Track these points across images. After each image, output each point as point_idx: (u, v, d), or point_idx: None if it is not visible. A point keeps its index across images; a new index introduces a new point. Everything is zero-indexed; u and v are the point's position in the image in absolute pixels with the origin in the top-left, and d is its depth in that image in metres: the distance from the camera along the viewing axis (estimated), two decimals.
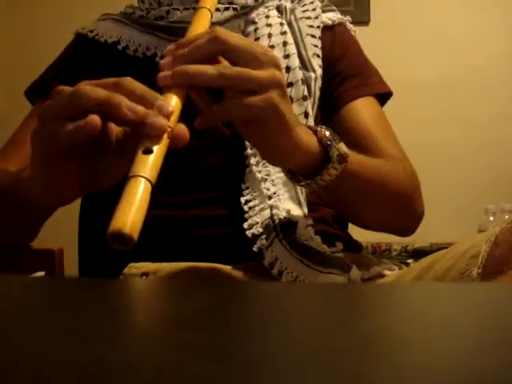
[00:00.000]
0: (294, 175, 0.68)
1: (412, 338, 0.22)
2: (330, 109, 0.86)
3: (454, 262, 0.63)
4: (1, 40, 2.38)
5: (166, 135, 0.52)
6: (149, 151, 0.50)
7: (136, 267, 0.71)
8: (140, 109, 0.52)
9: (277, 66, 0.59)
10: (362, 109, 0.87)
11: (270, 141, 0.61)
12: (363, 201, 0.74)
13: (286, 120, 0.59)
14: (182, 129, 0.54)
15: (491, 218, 2.07)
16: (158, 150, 0.50)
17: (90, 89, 0.53)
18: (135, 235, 0.44)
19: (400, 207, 0.79)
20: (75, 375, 0.18)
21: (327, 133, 0.65)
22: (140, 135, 0.52)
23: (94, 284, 0.37)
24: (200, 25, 0.67)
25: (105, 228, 0.87)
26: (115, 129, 0.57)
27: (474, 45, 2.30)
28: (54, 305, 0.30)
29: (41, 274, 0.76)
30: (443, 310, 0.28)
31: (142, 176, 0.48)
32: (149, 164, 0.49)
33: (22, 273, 0.74)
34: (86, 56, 0.90)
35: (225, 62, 0.59)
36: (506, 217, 2.07)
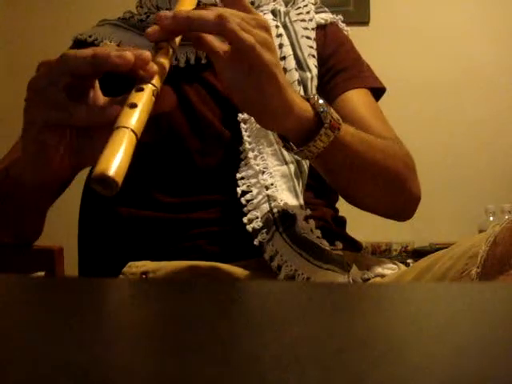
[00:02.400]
0: (287, 142, 0.68)
1: (412, 338, 0.22)
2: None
3: (453, 262, 0.63)
4: (1, 40, 2.38)
5: (150, 92, 0.53)
6: (134, 105, 0.52)
7: (136, 266, 0.71)
8: (128, 54, 0.53)
9: (266, 30, 0.60)
10: (355, 98, 0.86)
11: (262, 98, 0.60)
12: (356, 173, 0.73)
13: (275, 75, 0.59)
14: (168, 90, 0.56)
15: (491, 218, 2.07)
16: (143, 105, 0.52)
17: (76, 51, 0.55)
18: (119, 179, 0.45)
19: (394, 184, 0.78)
20: (75, 375, 0.18)
21: (320, 100, 0.65)
22: (127, 93, 0.54)
23: (94, 284, 0.37)
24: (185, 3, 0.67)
25: (105, 228, 0.88)
26: (102, 99, 0.58)
27: (474, 45, 2.30)
28: (54, 305, 0.30)
29: (41, 274, 0.76)
30: (443, 309, 0.28)
31: (126, 127, 0.49)
32: (134, 117, 0.51)
33: (22, 273, 0.74)
34: None
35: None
36: (506, 217, 2.07)
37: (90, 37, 0.90)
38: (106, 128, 0.56)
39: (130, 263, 0.71)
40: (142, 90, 0.53)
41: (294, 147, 0.66)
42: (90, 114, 0.54)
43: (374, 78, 0.93)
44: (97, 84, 0.58)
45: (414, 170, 0.81)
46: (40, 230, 0.78)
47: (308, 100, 0.65)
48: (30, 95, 0.56)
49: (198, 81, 0.84)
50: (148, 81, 0.54)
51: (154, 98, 0.53)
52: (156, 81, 0.54)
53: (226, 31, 0.57)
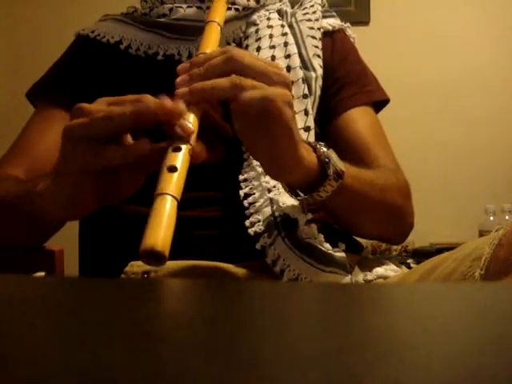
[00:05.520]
0: (292, 188, 0.70)
1: (412, 338, 0.22)
2: (327, 116, 0.87)
3: (457, 264, 0.64)
4: (1, 39, 2.38)
5: (187, 152, 0.54)
6: (173, 169, 0.52)
7: (137, 265, 0.71)
8: (167, 102, 0.54)
9: (287, 86, 0.61)
10: (358, 118, 0.88)
11: (275, 154, 0.62)
12: (356, 212, 0.76)
13: (293, 133, 0.61)
14: (200, 146, 0.56)
15: (491, 218, 2.07)
16: (182, 167, 0.53)
17: (120, 110, 0.54)
18: (167, 252, 0.46)
19: (391, 218, 0.81)
20: (75, 375, 0.18)
21: (325, 149, 0.67)
22: (163, 152, 0.54)
23: (94, 284, 0.38)
24: (210, 40, 0.69)
25: (105, 228, 0.88)
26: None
27: (474, 45, 2.30)
28: (54, 305, 0.30)
29: (41, 274, 0.76)
30: (443, 309, 0.28)
31: (168, 194, 0.50)
32: (174, 182, 0.51)
33: (22, 273, 0.74)
34: (88, 57, 0.90)
35: None
36: (507, 217, 2.07)
37: (92, 32, 0.90)
38: (132, 173, 0.57)
39: (132, 262, 0.71)
40: (179, 149, 0.54)
41: (300, 193, 0.69)
42: (125, 152, 0.55)
43: (379, 89, 0.94)
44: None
45: (410, 201, 0.84)
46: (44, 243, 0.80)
47: (314, 150, 0.67)
48: (65, 145, 0.57)
49: None
50: (185, 140, 0.55)
51: (190, 157, 0.54)
52: (192, 140, 0.55)
53: (241, 102, 0.58)
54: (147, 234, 0.47)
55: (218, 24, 0.72)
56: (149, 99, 0.56)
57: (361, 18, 2.28)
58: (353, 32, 0.98)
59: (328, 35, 0.92)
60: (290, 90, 0.62)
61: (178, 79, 0.60)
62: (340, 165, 0.67)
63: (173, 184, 0.51)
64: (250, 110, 0.58)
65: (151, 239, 0.46)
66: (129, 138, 0.58)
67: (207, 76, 0.60)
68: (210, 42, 0.69)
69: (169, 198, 0.49)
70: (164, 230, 0.47)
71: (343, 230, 0.85)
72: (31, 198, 0.65)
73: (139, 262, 0.71)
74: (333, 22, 0.94)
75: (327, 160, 0.66)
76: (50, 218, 0.66)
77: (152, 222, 0.48)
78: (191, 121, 0.57)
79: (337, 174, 0.67)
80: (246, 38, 0.86)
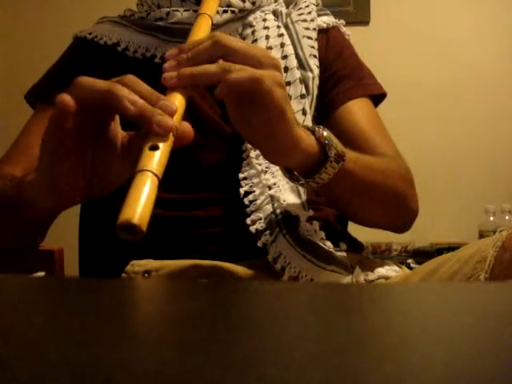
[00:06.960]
0: (293, 173, 0.69)
1: (412, 338, 0.22)
2: (325, 110, 0.87)
3: (459, 265, 0.63)
4: (0, 39, 2.38)
5: (171, 133, 0.53)
6: (155, 147, 0.51)
7: (138, 265, 0.71)
8: (141, 102, 0.53)
9: (276, 68, 0.60)
10: (356, 109, 0.88)
11: (270, 136, 0.61)
12: (358, 197, 0.75)
13: (285, 113, 0.60)
14: (187, 127, 0.55)
15: (491, 218, 2.07)
16: (164, 146, 0.52)
17: (91, 81, 0.54)
18: (144, 226, 0.45)
19: (394, 204, 0.80)
20: (75, 375, 0.18)
21: (325, 132, 0.66)
22: (146, 133, 0.53)
23: (94, 284, 0.37)
24: (200, 30, 0.69)
25: (105, 227, 0.88)
26: (120, 134, 0.57)
27: (474, 45, 2.30)
28: (54, 305, 0.30)
29: (41, 274, 0.76)
30: (443, 310, 0.28)
31: (149, 170, 0.49)
32: (155, 159, 0.50)
33: (22, 273, 0.74)
34: (86, 58, 0.90)
35: None
36: (507, 217, 2.07)
37: (89, 34, 0.91)
38: (119, 162, 0.57)
39: (133, 262, 0.71)
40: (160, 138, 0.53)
41: (300, 177, 0.68)
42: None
43: (375, 84, 0.94)
44: (117, 119, 0.58)
45: (412, 187, 0.83)
46: (42, 241, 0.79)
47: (313, 133, 0.66)
48: (47, 126, 0.56)
49: None
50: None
51: (173, 138, 0.53)
52: (175, 120, 0.54)
53: (230, 82, 0.58)
54: (124, 209, 0.46)
55: (209, 16, 0.72)
56: (131, 85, 0.55)
57: (361, 18, 2.27)
58: (347, 29, 0.98)
59: (322, 32, 0.92)
60: (280, 72, 0.61)
61: (166, 64, 0.60)
62: (341, 147, 0.67)
63: (154, 161, 0.50)
64: (238, 90, 0.58)
65: (128, 213, 0.45)
66: (116, 131, 0.58)
67: (195, 61, 0.59)
68: (200, 33, 0.68)
69: (149, 174, 0.49)
70: (142, 204, 0.46)
71: (345, 217, 0.84)
72: (19, 190, 0.65)
73: (140, 262, 0.72)
74: (327, 20, 0.94)
75: (327, 142, 0.65)
76: (38, 208, 0.64)
77: (130, 196, 0.47)
78: (176, 102, 0.56)
79: (338, 156, 0.66)
80: (243, 39, 0.86)
